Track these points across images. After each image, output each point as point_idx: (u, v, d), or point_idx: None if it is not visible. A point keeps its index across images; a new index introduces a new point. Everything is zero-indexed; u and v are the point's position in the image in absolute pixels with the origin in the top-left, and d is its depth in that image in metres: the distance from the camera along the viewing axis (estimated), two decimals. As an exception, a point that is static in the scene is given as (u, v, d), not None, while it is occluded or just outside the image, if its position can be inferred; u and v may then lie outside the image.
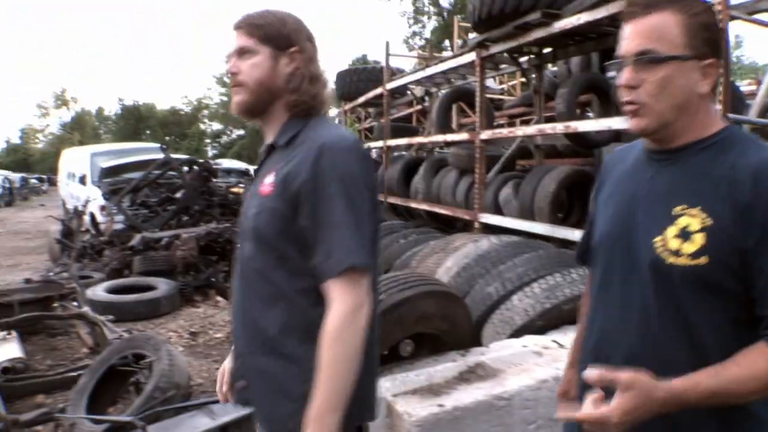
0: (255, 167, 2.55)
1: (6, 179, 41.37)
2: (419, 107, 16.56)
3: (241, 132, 76.09)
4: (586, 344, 2.01)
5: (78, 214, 13.94)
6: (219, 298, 9.85)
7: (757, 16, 6.25)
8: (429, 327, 4.40)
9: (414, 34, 52.33)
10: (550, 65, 11.45)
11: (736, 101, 6.02)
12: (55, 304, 7.74)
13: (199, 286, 10.08)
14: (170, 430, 3.95)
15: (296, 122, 2.22)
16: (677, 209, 1.70)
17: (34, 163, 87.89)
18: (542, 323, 5.06)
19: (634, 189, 1.87)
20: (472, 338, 4.84)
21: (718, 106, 5.33)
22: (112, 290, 9.03)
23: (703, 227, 1.64)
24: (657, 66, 1.70)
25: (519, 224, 8.04)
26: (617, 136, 8.51)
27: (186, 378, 4.63)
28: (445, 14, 49.25)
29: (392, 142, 13.28)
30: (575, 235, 6.55)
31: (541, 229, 7.54)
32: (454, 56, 10.55)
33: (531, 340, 4.62)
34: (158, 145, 15.98)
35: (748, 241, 1.59)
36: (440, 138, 11.28)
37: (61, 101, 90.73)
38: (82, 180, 17.54)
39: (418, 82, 13.29)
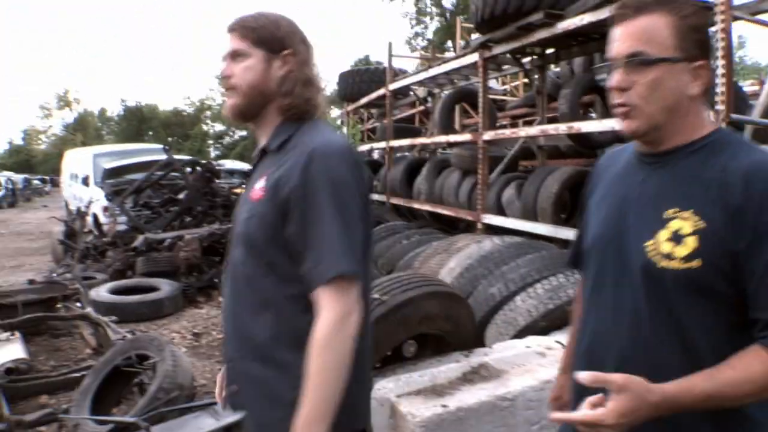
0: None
1: (9, 180, 41.43)
2: (422, 108, 16.55)
3: (244, 133, 76.07)
4: (579, 348, 2.01)
5: (81, 215, 13.96)
6: (222, 299, 9.85)
7: (760, 17, 6.26)
8: (432, 328, 4.40)
9: (416, 34, 52.25)
10: (552, 66, 11.45)
11: (739, 102, 6.02)
12: (59, 305, 7.75)
13: (202, 287, 10.09)
14: (174, 431, 3.95)
15: (289, 126, 2.20)
16: (669, 212, 1.70)
17: (36, 164, 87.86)
18: (545, 324, 5.07)
19: (626, 192, 1.87)
20: (475, 339, 4.85)
21: (721, 107, 5.33)
22: (115, 291, 9.04)
23: (695, 230, 1.64)
24: (648, 68, 1.70)
25: (522, 225, 8.03)
26: (620, 136, 8.49)
27: (190, 379, 4.64)
28: (447, 15, 49.20)
29: (395, 143, 13.28)
30: (578, 235, 6.54)
31: (544, 230, 7.53)
32: (457, 57, 10.54)
33: (534, 341, 4.62)
34: (161, 146, 15.99)
35: (739, 244, 1.59)
36: (443, 139, 11.28)
37: (64, 102, 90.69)
38: (85, 181, 17.59)
39: (420, 83, 13.29)
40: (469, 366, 4.10)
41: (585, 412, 1.57)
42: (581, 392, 1.71)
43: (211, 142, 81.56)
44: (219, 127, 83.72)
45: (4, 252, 16.97)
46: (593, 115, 10.30)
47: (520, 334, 5.08)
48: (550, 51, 9.53)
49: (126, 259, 10.70)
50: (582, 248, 2.07)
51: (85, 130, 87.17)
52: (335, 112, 52.96)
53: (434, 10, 51.21)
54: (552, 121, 9.49)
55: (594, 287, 1.95)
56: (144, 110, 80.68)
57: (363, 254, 2.06)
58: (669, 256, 1.67)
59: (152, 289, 9.25)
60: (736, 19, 5.64)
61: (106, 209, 13.95)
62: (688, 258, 1.64)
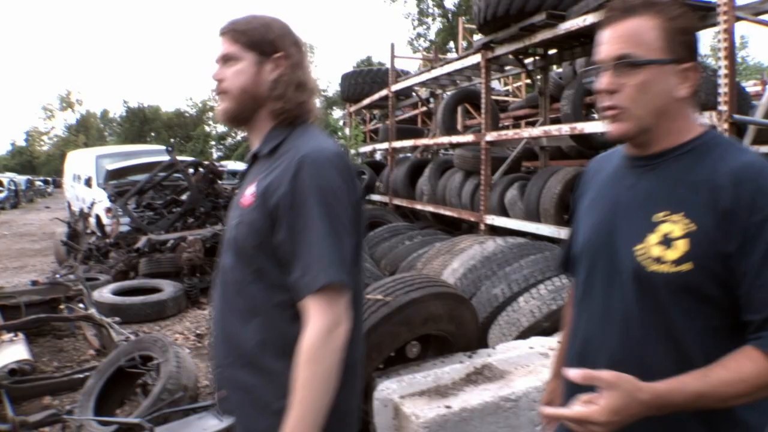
0: None
1: (11, 181, 41.43)
2: (424, 109, 16.56)
3: (246, 134, 75.99)
4: (570, 353, 2.00)
5: (84, 216, 13.97)
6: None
7: (762, 17, 6.25)
8: (436, 328, 4.40)
9: (418, 35, 52.29)
10: (555, 67, 11.46)
11: (742, 102, 6.03)
12: (62, 306, 7.74)
13: (205, 287, 10.08)
14: (178, 432, 3.95)
15: (281, 131, 2.18)
16: (658, 216, 1.70)
17: (39, 165, 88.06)
18: (549, 325, 5.07)
19: (615, 196, 1.87)
20: (478, 340, 4.85)
21: (723, 107, 5.33)
22: (118, 292, 9.06)
23: (685, 233, 1.64)
24: (636, 70, 1.71)
25: (525, 226, 8.04)
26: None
27: (193, 380, 4.64)
28: (449, 16, 49.22)
29: (397, 144, 13.28)
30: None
31: (547, 231, 7.54)
32: (460, 58, 10.54)
33: (537, 342, 4.62)
34: (163, 147, 15.99)
35: (730, 246, 1.59)
36: (445, 140, 11.28)
37: (66, 103, 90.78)
38: (88, 182, 17.59)
39: (423, 84, 13.28)
40: (473, 367, 4.10)
41: (576, 408, 1.56)
42: (573, 395, 1.73)
43: (213, 143, 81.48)
44: (221, 128, 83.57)
45: (7, 253, 16.99)
46: (596, 115, 10.29)
47: (524, 334, 5.08)
48: (552, 52, 9.55)
49: (129, 260, 10.71)
50: (572, 253, 2.07)
51: (87, 131, 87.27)
52: (337, 113, 53.11)
53: (436, 11, 51.24)
54: (555, 121, 9.51)
55: (584, 291, 1.95)
56: (146, 111, 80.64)
57: (353, 263, 2.05)
58: (659, 260, 1.67)
59: (155, 290, 9.26)
60: (738, 19, 5.64)
61: (108, 210, 13.95)
62: (678, 261, 1.63)
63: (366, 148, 16.53)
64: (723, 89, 5.38)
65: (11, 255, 16.58)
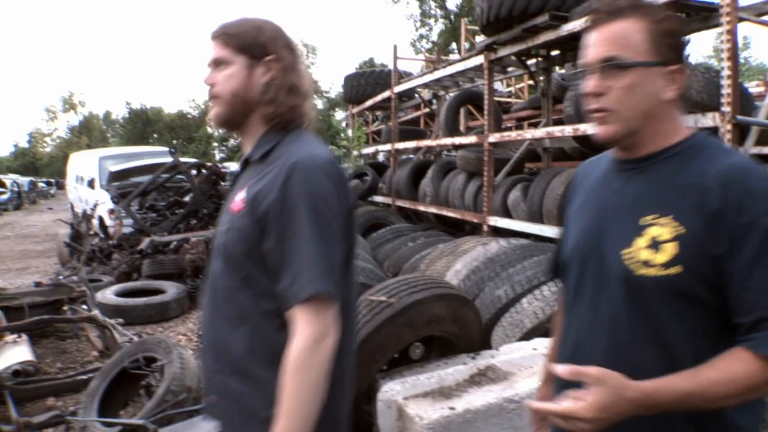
0: None
1: (14, 183, 41.47)
2: (427, 110, 16.56)
3: (239, 138, 75.94)
4: (560, 359, 1.98)
5: (87, 217, 13.99)
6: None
7: (765, 18, 6.24)
8: (439, 330, 4.40)
9: (421, 37, 52.32)
10: (557, 68, 11.46)
11: (745, 103, 6.02)
12: (65, 308, 7.75)
13: (208, 289, 10.09)
14: (182, 433, 3.96)
15: (273, 136, 2.15)
16: (646, 219, 1.70)
17: (42, 166, 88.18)
18: (552, 326, 5.07)
19: (603, 200, 1.87)
20: (481, 341, 4.84)
21: (726, 108, 5.32)
22: (122, 293, 9.07)
23: (674, 236, 1.63)
24: (623, 72, 1.71)
25: (528, 227, 8.04)
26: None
27: (197, 381, 4.63)
28: (452, 17, 49.23)
29: (400, 145, 13.29)
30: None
31: (550, 232, 7.53)
32: (463, 59, 10.55)
33: (541, 343, 4.62)
34: (166, 148, 16.01)
35: (719, 248, 1.59)
36: (448, 141, 11.28)
37: (69, 105, 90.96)
38: (91, 184, 17.61)
39: (425, 85, 13.29)
40: (476, 368, 4.10)
41: (563, 404, 1.56)
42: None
43: (215, 144, 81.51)
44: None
45: (10, 254, 17.01)
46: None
47: (527, 336, 5.08)
48: (555, 53, 9.54)
49: (132, 261, 10.72)
50: (561, 258, 2.07)
51: (90, 132, 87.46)
52: (340, 114, 53.14)
53: (439, 12, 51.25)
54: (557, 123, 9.51)
55: (574, 297, 1.94)
56: (149, 113, 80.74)
57: (343, 272, 2.03)
58: (647, 264, 1.67)
59: (158, 291, 9.27)
60: (741, 20, 5.64)
61: (111, 212, 13.96)
62: (667, 264, 1.63)
63: (369, 150, 16.55)
64: (726, 90, 5.38)
65: (14, 256, 16.60)
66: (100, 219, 14.73)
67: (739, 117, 5.38)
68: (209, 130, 79.91)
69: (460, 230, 10.80)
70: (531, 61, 10.06)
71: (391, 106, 13.95)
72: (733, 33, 5.37)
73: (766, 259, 1.56)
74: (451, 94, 13.44)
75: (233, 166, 30.87)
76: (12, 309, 7.26)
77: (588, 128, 7.26)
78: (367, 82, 16.78)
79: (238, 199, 2.08)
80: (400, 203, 12.61)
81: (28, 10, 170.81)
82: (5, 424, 4.59)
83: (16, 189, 40.88)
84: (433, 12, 51.60)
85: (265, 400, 1.93)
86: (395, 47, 13.80)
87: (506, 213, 8.95)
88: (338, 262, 1.98)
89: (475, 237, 8.03)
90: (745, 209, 1.57)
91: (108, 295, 8.82)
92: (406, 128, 16.16)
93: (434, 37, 51.31)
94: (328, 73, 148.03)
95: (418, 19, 51.98)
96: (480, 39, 10.58)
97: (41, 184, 57.84)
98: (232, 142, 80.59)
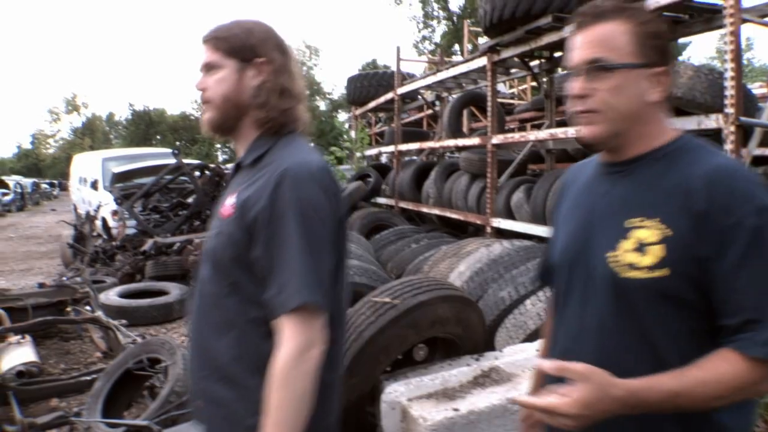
0: None
1: (17, 184, 41.55)
2: (429, 112, 16.56)
3: (233, 143, 75.94)
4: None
5: (90, 218, 14.00)
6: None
7: (768, 19, 6.24)
8: (443, 331, 4.40)
9: (424, 38, 52.29)
10: (561, 69, 11.46)
11: (749, 104, 6.02)
12: (69, 309, 7.76)
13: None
14: (185, 434, 3.96)
15: (265, 141, 2.13)
16: (633, 222, 1.70)
17: (45, 168, 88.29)
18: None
19: (591, 204, 1.87)
20: (485, 343, 4.85)
21: (730, 110, 5.32)
22: (125, 295, 9.08)
23: (661, 239, 1.63)
24: (608, 74, 1.71)
25: (531, 228, 8.02)
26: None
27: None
28: (454, 19, 49.23)
29: (403, 147, 13.28)
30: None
31: (554, 234, 7.51)
32: (466, 61, 10.55)
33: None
34: (169, 150, 16.03)
35: (705, 250, 1.59)
36: (451, 142, 11.27)
37: (72, 106, 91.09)
38: (94, 185, 17.62)
39: (428, 87, 13.28)
40: (480, 370, 4.10)
41: (547, 399, 1.55)
42: None
43: (218, 146, 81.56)
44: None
45: (14, 255, 17.05)
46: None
47: (531, 337, 5.08)
48: (558, 54, 9.53)
49: (135, 262, 10.74)
50: (550, 264, 2.06)
51: (93, 134, 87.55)
52: (343, 116, 53.13)
53: (441, 13, 51.23)
54: (561, 124, 9.49)
55: (562, 301, 1.94)
56: (152, 114, 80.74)
57: (332, 282, 2.00)
58: (633, 266, 1.67)
59: (161, 292, 9.28)
60: (745, 21, 5.64)
61: (115, 213, 13.99)
62: (654, 267, 1.63)
63: (372, 151, 16.54)
64: (729, 92, 5.37)
65: (17, 257, 16.63)
66: (104, 220, 14.74)
67: (743, 118, 5.37)
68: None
69: (464, 232, 10.79)
70: (534, 63, 10.04)
71: (394, 107, 13.93)
72: (736, 34, 5.36)
73: (753, 260, 1.56)
74: (454, 96, 13.44)
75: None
76: (16, 310, 7.25)
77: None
78: (370, 84, 16.77)
79: (228, 204, 2.06)
80: (403, 205, 12.60)
81: (31, 11, 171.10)
82: (9, 424, 4.60)
83: (19, 190, 40.99)
84: (435, 13, 51.59)
85: (251, 407, 1.91)
86: (398, 49, 13.79)
87: (509, 215, 8.94)
88: (327, 272, 1.96)
89: (478, 238, 8.02)
90: (731, 210, 1.57)
91: (111, 296, 8.83)
92: (409, 130, 16.14)
93: (437, 38, 51.31)
94: (330, 75, 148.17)
95: (420, 21, 51.98)
96: (483, 41, 10.59)
97: (44, 186, 57.96)
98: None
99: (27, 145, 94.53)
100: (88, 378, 5.39)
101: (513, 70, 11.48)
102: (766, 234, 1.56)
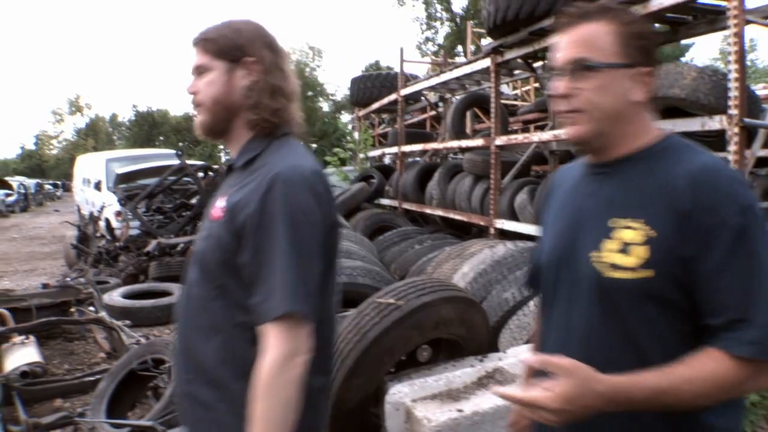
0: None
1: (21, 185, 41.60)
2: (433, 113, 16.55)
3: (226, 146, 75.92)
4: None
5: (93, 219, 14.02)
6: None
7: (773, 21, 6.23)
8: (447, 332, 4.40)
9: (427, 39, 52.30)
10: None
11: (752, 105, 6.01)
12: (72, 309, 7.77)
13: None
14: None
15: (258, 143, 2.10)
16: (617, 222, 1.70)
17: (48, 169, 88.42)
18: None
19: (577, 205, 1.87)
20: (489, 344, 4.84)
21: (734, 111, 5.32)
22: (129, 295, 9.07)
23: (646, 240, 1.63)
24: (592, 74, 1.72)
25: (535, 230, 8.00)
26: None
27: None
28: (457, 20, 49.24)
29: (407, 148, 13.28)
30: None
31: (557, 235, 7.51)
32: (469, 62, 10.54)
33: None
34: (173, 151, 16.04)
35: (689, 249, 1.58)
36: (455, 144, 11.27)
37: (75, 107, 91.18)
38: (98, 186, 17.63)
39: (432, 88, 13.28)
40: (484, 371, 4.10)
41: (529, 392, 1.54)
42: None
43: (221, 147, 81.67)
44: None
45: (17, 256, 17.07)
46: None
47: (534, 338, 5.08)
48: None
49: (139, 263, 10.75)
50: (538, 267, 2.05)
51: (96, 135, 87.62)
52: (346, 117, 53.09)
53: (444, 15, 51.25)
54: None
55: (550, 303, 1.94)
56: (155, 115, 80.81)
57: (321, 290, 1.98)
58: (616, 266, 1.67)
59: (165, 293, 9.27)
60: (748, 22, 5.63)
61: (118, 214, 14.00)
62: (638, 268, 1.63)
63: (375, 153, 16.54)
64: (733, 93, 5.37)
65: (21, 258, 16.66)
66: (107, 221, 14.74)
67: (747, 120, 5.37)
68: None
69: (467, 233, 10.78)
70: (538, 64, 10.04)
71: (397, 108, 13.94)
72: (740, 35, 5.36)
73: (737, 259, 1.56)
74: (458, 97, 13.43)
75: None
76: (20, 310, 7.28)
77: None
78: (373, 85, 16.75)
79: (218, 206, 2.04)
80: (406, 206, 12.59)
81: (34, 12, 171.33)
82: (14, 424, 4.61)
83: (22, 191, 41.03)
84: (438, 15, 51.63)
85: (237, 412, 1.89)
86: (401, 50, 13.79)
87: (513, 216, 8.93)
88: (315, 280, 1.93)
89: (482, 240, 8.02)
90: (715, 209, 1.57)
91: (115, 297, 8.83)
92: (413, 131, 16.12)
93: (440, 39, 51.31)
94: (334, 76, 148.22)
95: (423, 22, 52.01)
96: (486, 42, 10.59)
97: (48, 187, 58.08)
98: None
99: (30, 146, 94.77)
100: (91, 378, 5.39)
101: (516, 72, 11.47)
102: (750, 233, 1.56)
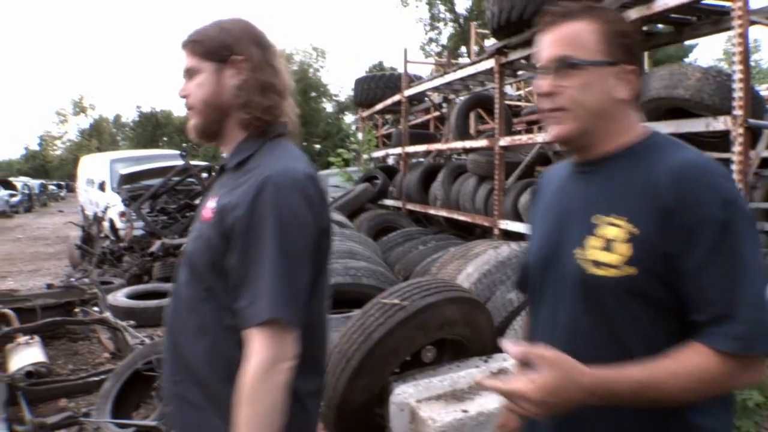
0: None
1: (25, 185, 41.67)
2: (436, 114, 16.56)
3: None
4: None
5: (97, 220, 14.04)
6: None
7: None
8: (452, 333, 4.40)
9: (430, 40, 52.33)
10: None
11: (756, 106, 6.00)
12: (77, 310, 7.78)
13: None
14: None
15: (251, 143, 2.07)
16: (601, 219, 1.70)
17: (52, 169, 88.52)
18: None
19: (563, 205, 1.87)
20: (493, 344, 4.84)
21: (738, 111, 5.31)
22: (133, 296, 9.07)
23: (628, 237, 1.63)
24: (576, 72, 1.72)
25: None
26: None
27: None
28: (461, 21, 49.23)
29: (410, 149, 13.28)
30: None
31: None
32: (473, 63, 10.54)
33: (553, 347, 4.62)
34: (177, 152, 16.05)
35: (672, 246, 1.58)
36: (459, 144, 11.27)
37: (79, 108, 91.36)
38: (102, 186, 17.64)
39: (436, 89, 13.27)
40: (489, 371, 4.10)
41: (511, 382, 1.53)
42: (533, 423, 1.73)
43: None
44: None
45: (22, 256, 17.09)
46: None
47: (539, 339, 5.07)
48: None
49: (143, 264, 10.75)
50: (528, 269, 2.04)
51: (100, 135, 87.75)
52: (349, 117, 53.11)
53: (448, 15, 51.24)
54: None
55: (537, 305, 1.94)
56: (158, 116, 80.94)
57: (311, 295, 1.96)
58: (599, 263, 1.66)
59: (169, 294, 9.25)
60: (753, 23, 5.63)
61: (122, 214, 14.00)
62: (621, 265, 1.62)
63: (379, 153, 16.54)
64: (738, 93, 5.37)
65: (25, 258, 16.68)
66: (111, 222, 14.77)
67: (751, 120, 5.37)
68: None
69: (471, 233, 10.79)
70: (541, 65, 10.02)
71: (401, 109, 13.94)
72: (744, 36, 5.36)
73: (720, 255, 1.55)
74: (462, 98, 13.43)
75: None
76: (24, 311, 7.28)
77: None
78: (377, 86, 16.77)
79: (209, 207, 2.01)
80: (410, 206, 12.59)
81: (38, 13, 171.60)
82: (19, 424, 4.61)
83: (26, 192, 41.11)
84: (442, 15, 51.62)
85: (225, 414, 1.86)
86: (405, 51, 13.79)
87: (517, 216, 8.93)
88: (302, 286, 1.91)
89: (486, 240, 8.01)
90: (697, 204, 1.56)
91: (119, 297, 8.83)
92: (417, 132, 16.12)
93: (443, 40, 51.31)
94: (337, 77, 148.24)
95: (427, 23, 52.02)
96: (489, 42, 10.59)
97: (52, 187, 58.18)
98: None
99: (34, 147, 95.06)
100: (96, 379, 5.39)
101: (520, 72, 11.46)
102: (734, 227, 1.55)
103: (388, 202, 13.94)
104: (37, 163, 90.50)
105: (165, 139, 78.43)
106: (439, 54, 43.93)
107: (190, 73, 2.10)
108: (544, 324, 1.87)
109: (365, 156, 16.58)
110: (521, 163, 9.81)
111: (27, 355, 5.83)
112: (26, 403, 4.85)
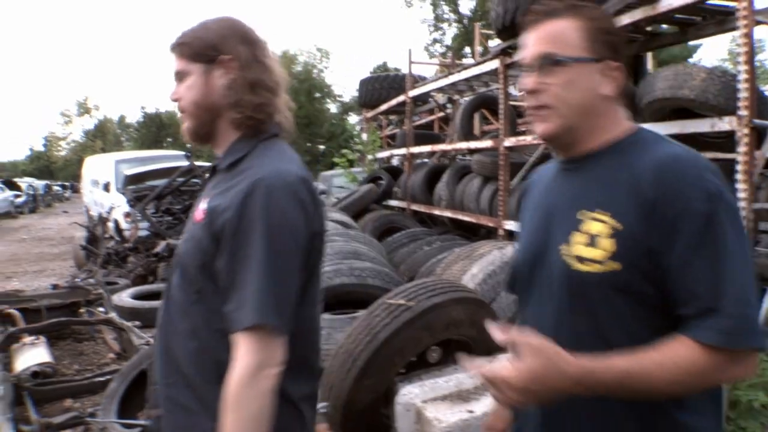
0: None
1: (30, 186, 41.72)
2: (441, 114, 16.54)
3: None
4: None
5: (102, 220, 14.06)
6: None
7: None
8: (457, 333, 4.40)
9: (434, 41, 52.27)
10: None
11: (761, 106, 5.99)
12: (82, 310, 7.80)
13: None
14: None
15: (244, 144, 2.05)
16: (584, 215, 1.71)
17: (56, 170, 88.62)
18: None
19: (550, 203, 1.88)
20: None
21: (743, 112, 5.30)
22: (138, 296, 9.08)
23: (612, 233, 1.63)
24: (560, 69, 1.73)
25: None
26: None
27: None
28: (465, 21, 49.19)
29: (415, 150, 13.27)
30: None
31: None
32: (478, 63, 10.53)
33: (558, 347, 4.62)
34: (181, 152, 16.06)
35: (655, 240, 1.58)
36: (464, 145, 11.26)
37: (84, 109, 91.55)
38: (106, 187, 17.65)
39: (440, 89, 13.26)
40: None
41: (494, 369, 1.53)
42: (521, 421, 1.74)
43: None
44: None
45: (27, 257, 17.13)
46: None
47: (544, 340, 5.07)
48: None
49: (148, 264, 10.77)
50: (517, 269, 2.03)
51: (104, 136, 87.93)
52: (354, 118, 53.08)
53: (452, 16, 51.21)
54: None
55: (526, 303, 1.94)
56: (163, 117, 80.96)
57: (302, 299, 1.94)
58: (583, 259, 1.67)
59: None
60: (758, 23, 5.62)
61: (127, 215, 14.02)
62: (605, 261, 1.63)
63: (383, 154, 16.53)
64: (743, 94, 5.36)
65: (30, 259, 16.72)
66: (116, 222, 14.77)
67: (756, 120, 5.36)
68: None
69: (476, 234, 10.76)
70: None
71: (405, 110, 13.92)
72: (749, 36, 5.35)
73: (705, 248, 1.55)
74: (466, 99, 13.41)
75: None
76: (30, 311, 7.32)
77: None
78: (382, 87, 16.73)
79: (201, 208, 2.00)
80: (415, 207, 12.58)
81: (43, 14, 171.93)
82: (25, 424, 4.62)
83: (31, 192, 41.16)
84: (446, 16, 51.56)
85: (213, 417, 1.83)
86: (410, 51, 13.79)
87: (521, 217, 8.91)
88: (290, 291, 1.88)
89: (491, 241, 8.00)
90: (679, 198, 1.57)
91: (124, 297, 8.84)
92: (421, 132, 16.09)
93: (448, 41, 51.25)
94: (341, 77, 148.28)
95: (431, 24, 51.95)
96: (493, 43, 10.58)
97: (56, 188, 58.24)
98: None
99: (39, 148, 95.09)
100: (102, 379, 5.41)
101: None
102: (717, 220, 1.55)
103: (393, 202, 13.93)
104: (41, 164, 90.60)
105: (169, 139, 78.43)
106: (443, 55, 43.83)
107: (179, 76, 2.10)
108: (532, 321, 1.86)
109: (370, 156, 16.56)
110: (526, 163, 9.80)
111: (33, 355, 5.85)
112: (32, 403, 4.87)
